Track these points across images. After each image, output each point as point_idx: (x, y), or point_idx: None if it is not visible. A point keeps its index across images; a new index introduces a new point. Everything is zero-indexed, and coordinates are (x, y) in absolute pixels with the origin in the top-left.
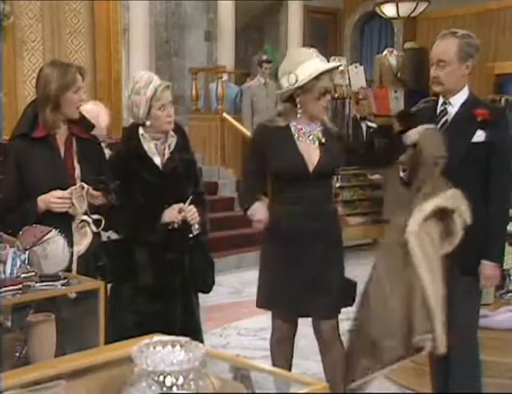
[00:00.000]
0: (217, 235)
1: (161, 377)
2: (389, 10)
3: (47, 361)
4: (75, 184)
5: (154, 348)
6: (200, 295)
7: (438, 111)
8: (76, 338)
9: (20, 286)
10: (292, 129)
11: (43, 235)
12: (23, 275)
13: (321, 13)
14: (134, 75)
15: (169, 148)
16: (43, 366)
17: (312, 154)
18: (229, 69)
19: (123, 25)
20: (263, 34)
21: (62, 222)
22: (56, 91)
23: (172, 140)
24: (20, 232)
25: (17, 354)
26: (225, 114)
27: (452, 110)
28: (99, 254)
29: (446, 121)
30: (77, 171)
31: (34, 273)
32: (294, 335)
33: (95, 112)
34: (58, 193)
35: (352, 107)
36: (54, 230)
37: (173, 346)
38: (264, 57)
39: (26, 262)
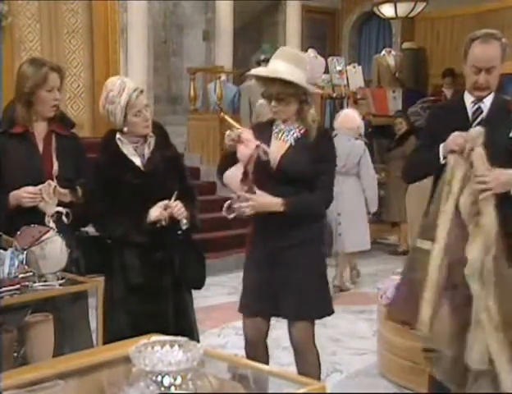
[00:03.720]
0: (216, 235)
1: (159, 378)
2: (387, 10)
3: (45, 361)
4: (52, 179)
5: (152, 348)
6: (200, 294)
7: (471, 110)
8: (74, 338)
9: (18, 286)
10: (274, 126)
11: (41, 236)
12: (21, 275)
13: (319, 13)
14: (107, 83)
15: (149, 148)
16: (42, 366)
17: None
18: (227, 69)
19: (121, 25)
20: (262, 34)
21: (35, 216)
22: (28, 89)
23: (151, 140)
24: (18, 232)
25: (15, 354)
26: (223, 114)
27: (485, 108)
28: (72, 246)
29: (482, 119)
30: (55, 167)
31: (32, 273)
32: (266, 338)
33: (352, 115)
34: (29, 189)
35: (350, 106)
36: (52, 230)
37: (171, 346)
38: (262, 57)
39: (24, 262)
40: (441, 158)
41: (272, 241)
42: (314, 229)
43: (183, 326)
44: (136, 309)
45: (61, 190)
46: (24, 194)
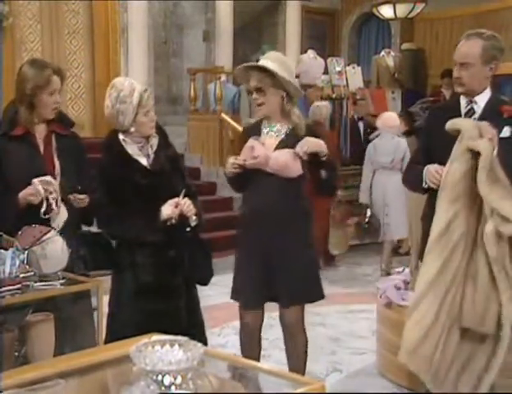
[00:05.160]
0: (216, 234)
1: (159, 377)
2: (386, 11)
3: (46, 360)
4: (54, 179)
5: (153, 347)
6: (200, 294)
7: (464, 110)
8: (77, 337)
9: (20, 285)
10: (262, 127)
11: (42, 235)
12: (22, 275)
13: (319, 14)
14: (114, 83)
15: (152, 149)
16: (42, 365)
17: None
18: (227, 69)
19: (121, 26)
20: (262, 35)
21: (37, 216)
22: (30, 91)
23: (154, 141)
24: (20, 232)
25: (16, 353)
26: (223, 114)
27: (478, 109)
28: (78, 244)
29: (474, 120)
30: (57, 167)
31: (33, 273)
32: (261, 326)
33: (392, 115)
34: (31, 191)
35: (350, 107)
36: (53, 230)
37: (171, 346)
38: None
39: (25, 262)
40: (424, 183)
41: (266, 233)
42: (306, 221)
43: (194, 323)
44: (148, 308)
45: (80, 196)
46: (28, 192)
